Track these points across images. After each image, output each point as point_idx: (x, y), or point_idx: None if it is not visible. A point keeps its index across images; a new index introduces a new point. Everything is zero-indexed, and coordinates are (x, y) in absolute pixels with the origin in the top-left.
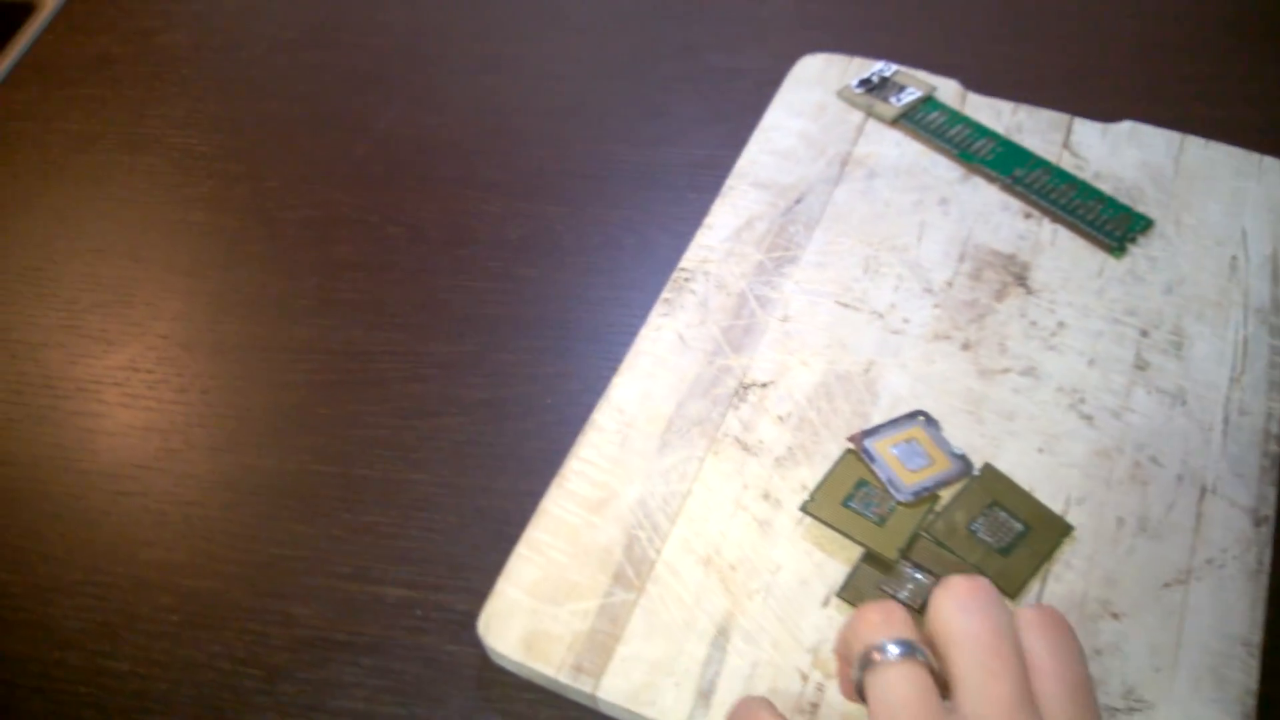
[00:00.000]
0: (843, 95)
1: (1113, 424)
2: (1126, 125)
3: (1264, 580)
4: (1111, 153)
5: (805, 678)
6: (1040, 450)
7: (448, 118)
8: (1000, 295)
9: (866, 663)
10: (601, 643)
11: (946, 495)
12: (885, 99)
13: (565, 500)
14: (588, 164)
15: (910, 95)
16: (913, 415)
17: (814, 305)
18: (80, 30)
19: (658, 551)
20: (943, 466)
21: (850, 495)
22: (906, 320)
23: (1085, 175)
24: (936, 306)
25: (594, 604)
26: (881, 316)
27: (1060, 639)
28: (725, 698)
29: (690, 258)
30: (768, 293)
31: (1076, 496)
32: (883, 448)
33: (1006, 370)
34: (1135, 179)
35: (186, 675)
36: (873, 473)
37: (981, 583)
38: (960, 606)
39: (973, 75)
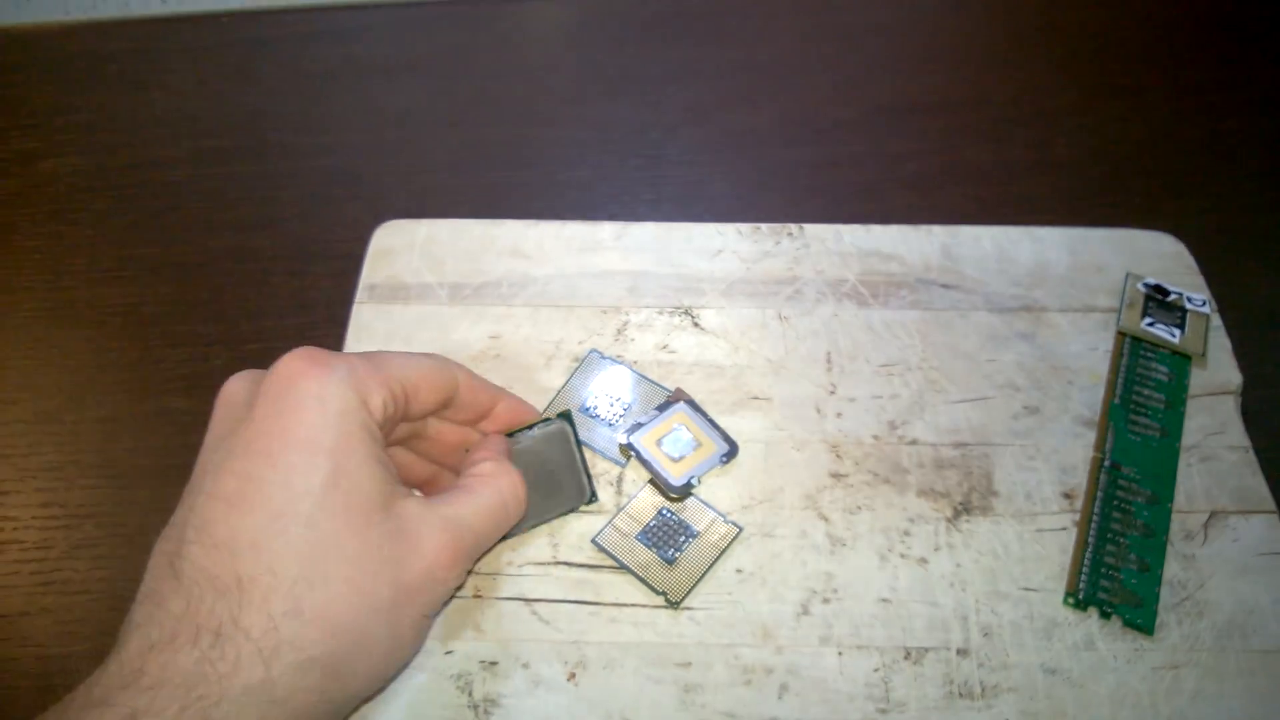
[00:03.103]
0: (1130, 274)
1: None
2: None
3: None
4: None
5: None
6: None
7: None
8: (924, 494)
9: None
10: None
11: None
12: (1147, 314)
13: None
14: None
15: (1170, 337)
16: (728, 441)
17: (810, 336)
18: None
19: None
20: (672, 470)
21: None
22: (839, 415)
23: (1184, 555)
24: (875, 438)
25: None
26: (831, 391)
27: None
28: None
29: (820, 229)
30: (820, 286)
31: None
32: (681, 419)
33: (825, 519)
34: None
35: None
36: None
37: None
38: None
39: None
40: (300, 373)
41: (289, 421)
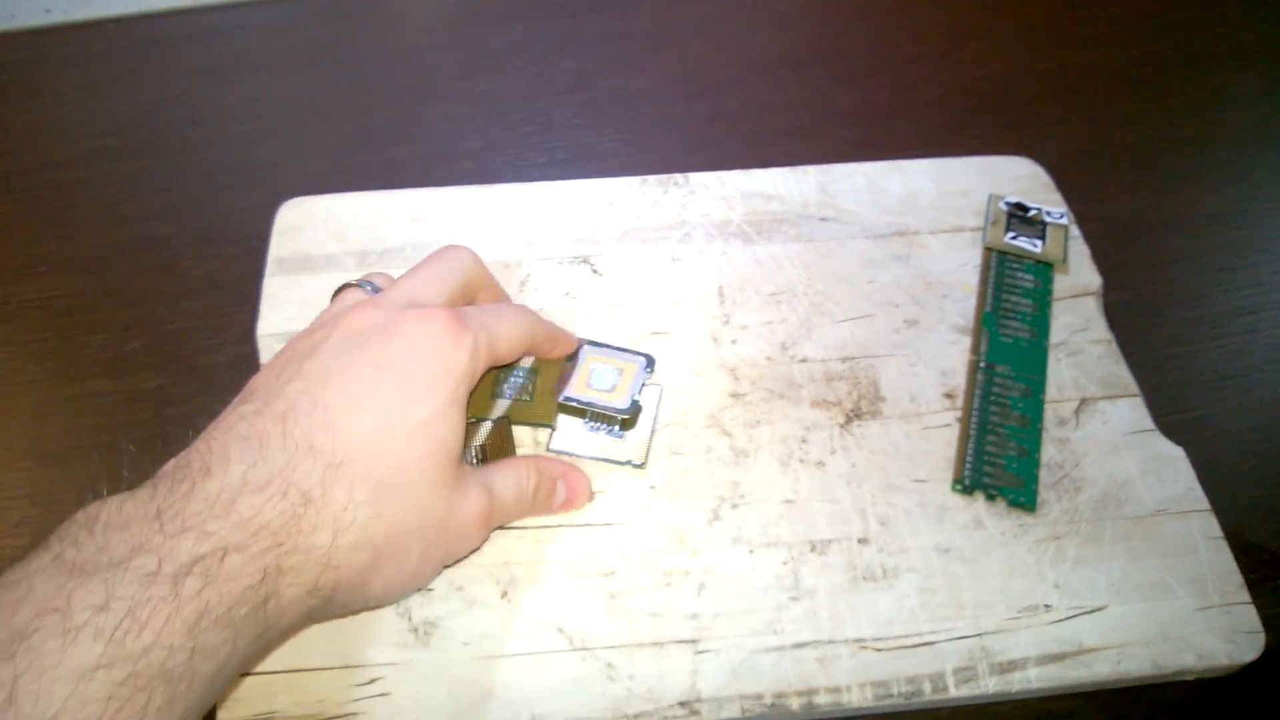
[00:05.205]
0: (992, 196)
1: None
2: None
3: None
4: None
5: None
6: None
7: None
8: (817, 405)
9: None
10: None
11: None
12: (1010, 229)
13: None
14: None
15: (1032, 247)
16: (640, 355)
17: (702, 273)
18: None
19: None
20: (614, 399)
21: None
22: (734, 341)
23: (1063, 439)
24: (769, 359)
25: None
26: (726, 321)
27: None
28: None
29: (705, 177)
30: (698, 221)
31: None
32: (594, 359)
33: (727, 435)
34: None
35: None
36: (566, 367)
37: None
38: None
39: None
40: (442, 334)
41: (422, 364)
